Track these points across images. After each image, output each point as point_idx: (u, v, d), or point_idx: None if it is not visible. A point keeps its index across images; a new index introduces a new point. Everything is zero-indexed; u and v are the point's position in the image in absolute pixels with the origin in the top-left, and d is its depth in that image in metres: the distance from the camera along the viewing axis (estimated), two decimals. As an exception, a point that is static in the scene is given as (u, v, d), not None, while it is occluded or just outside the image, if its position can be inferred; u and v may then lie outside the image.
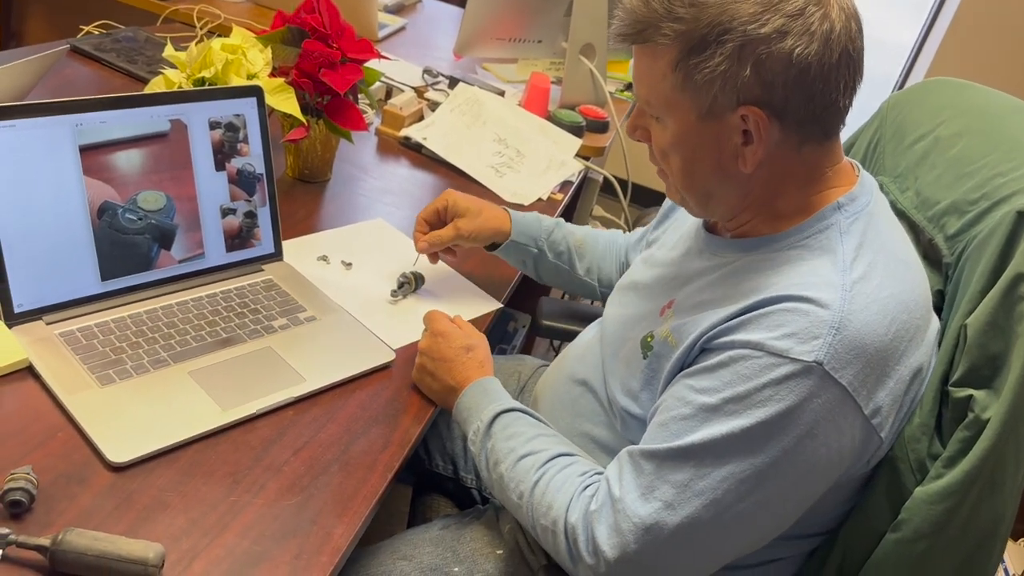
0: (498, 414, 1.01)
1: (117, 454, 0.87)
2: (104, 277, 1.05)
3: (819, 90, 0.85)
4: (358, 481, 0.93)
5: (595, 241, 1.36)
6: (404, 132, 1.74)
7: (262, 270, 1.21)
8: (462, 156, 1.70)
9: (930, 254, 1.02)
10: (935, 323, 0.95)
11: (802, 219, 0.91)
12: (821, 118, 0.87)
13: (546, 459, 0.96)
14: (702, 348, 0.89)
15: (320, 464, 0.94)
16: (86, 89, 1.61)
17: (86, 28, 1.85)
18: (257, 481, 0.90)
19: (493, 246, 1.30)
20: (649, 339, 0.98)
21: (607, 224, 2.12)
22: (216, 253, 1.16)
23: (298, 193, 1.48)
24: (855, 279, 0.85)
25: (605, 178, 1.97)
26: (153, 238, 1.09)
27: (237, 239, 1.18)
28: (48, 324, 1.01)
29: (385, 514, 0.96)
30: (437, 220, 1.27)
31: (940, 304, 0.99)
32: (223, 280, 1.16)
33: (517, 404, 1.03)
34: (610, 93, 2.01)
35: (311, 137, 1.44)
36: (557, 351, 2.22)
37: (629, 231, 1.41)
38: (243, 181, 1.18)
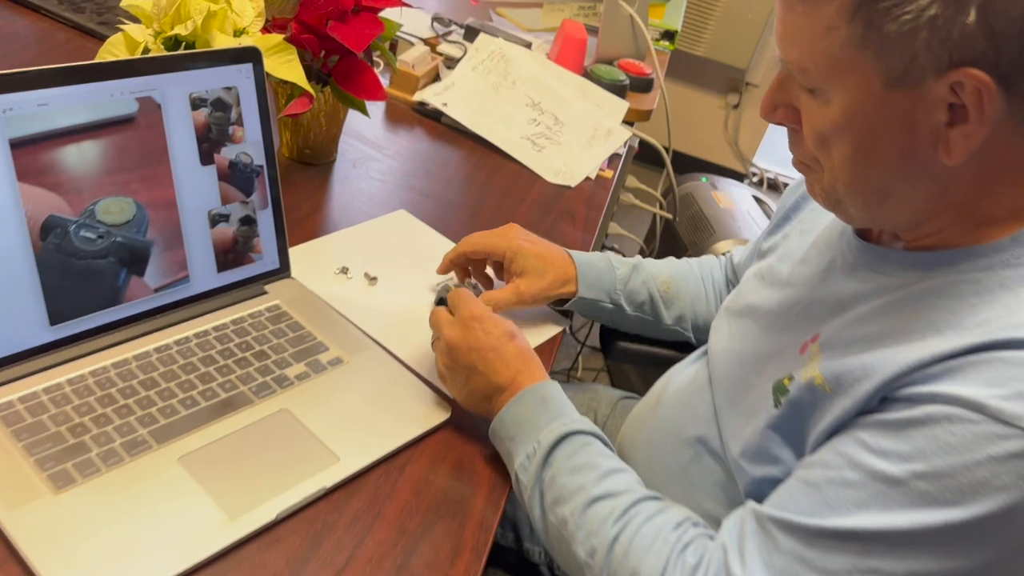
0: (564, 436, 0.77)
1: (83, 607, 0.60)
2: (54, 320, 0.76)
3: None
4: (428, 615, 0.67)
5: (685, 280, 1.09)
6: (419, 96, 1.43)
7: (266, 292, 0.92)
8: (491, 125, 1.40)
9: None
10: None
11: (1019, 226, 0.66)
12: None
13: (628, 504, 0.72)
14: (883, 397, 0.64)
15: (373, 592, 0.68)
16: (22, 48, 1.28)
17: (20, -32, 1.50)
18: (288, 630, 0.63)
19: (559, 300, 1.03)
20: (786, 382, 0.73)
21: (643, 197, 1.84)
22: (205, 275, 0.87)
23: (299, 179, 1.18)
24: None
25: (639, 143, 1.68)
26: (120, 261, 0.80)
27: (231, 254, 0.89)
28: (-24, 394, 0.72)
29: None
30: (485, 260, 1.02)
31: None
32: (216, 311, 0.88)
33: (585, 423, 0.79)
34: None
35: (314, 109, 1.13)
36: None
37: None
38: (237, 177, 0.88)
